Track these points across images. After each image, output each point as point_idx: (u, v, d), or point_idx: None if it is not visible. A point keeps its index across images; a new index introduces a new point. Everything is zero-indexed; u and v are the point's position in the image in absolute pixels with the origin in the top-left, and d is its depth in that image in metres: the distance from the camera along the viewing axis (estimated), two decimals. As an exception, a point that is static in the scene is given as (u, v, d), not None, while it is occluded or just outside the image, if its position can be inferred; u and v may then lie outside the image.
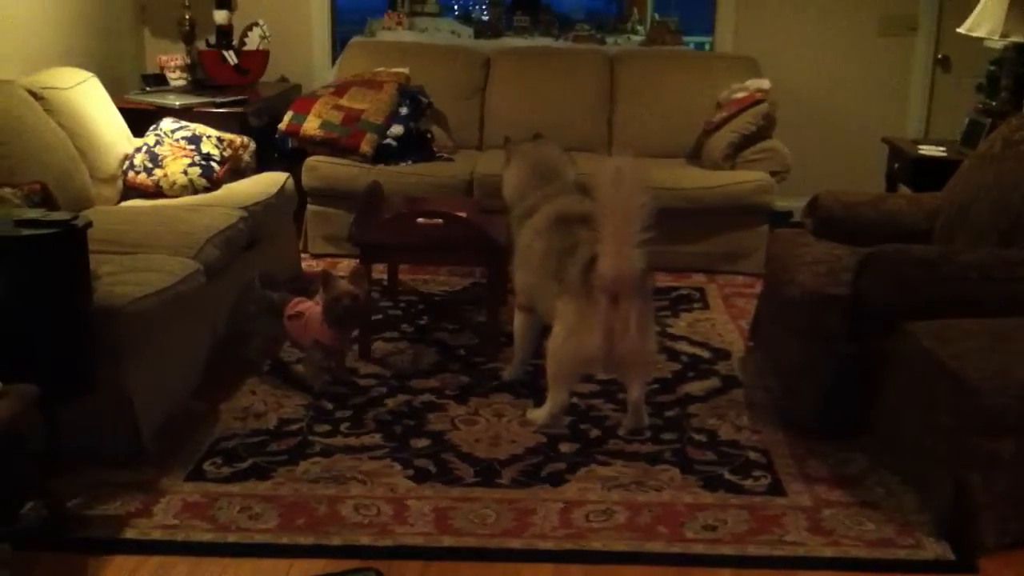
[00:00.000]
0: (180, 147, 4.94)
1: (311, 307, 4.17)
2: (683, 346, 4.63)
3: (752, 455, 3.68)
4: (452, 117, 6.24)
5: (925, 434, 3.26)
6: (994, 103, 5.27)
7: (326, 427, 3.81)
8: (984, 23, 4.97)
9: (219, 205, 4.64)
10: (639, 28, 8.06)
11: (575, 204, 3.86)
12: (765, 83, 5.92)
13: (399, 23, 7.62)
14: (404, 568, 2.99)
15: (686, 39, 7.71)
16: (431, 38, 7.46)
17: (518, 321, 4.13)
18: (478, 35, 7.56)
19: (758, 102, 5.78)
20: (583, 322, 3.60)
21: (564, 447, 3.70)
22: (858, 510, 3.32)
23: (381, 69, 6.10)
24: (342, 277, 4.18)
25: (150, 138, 5.02)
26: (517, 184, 4.13)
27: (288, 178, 5.20)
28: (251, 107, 5.76)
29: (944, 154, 5.27)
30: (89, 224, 3.17)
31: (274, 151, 5.78)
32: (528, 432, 3.79)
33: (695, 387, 4.22)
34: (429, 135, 5.95)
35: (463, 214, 4.61)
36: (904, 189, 5.47)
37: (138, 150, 4.97)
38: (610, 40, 7.60)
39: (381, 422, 3.86)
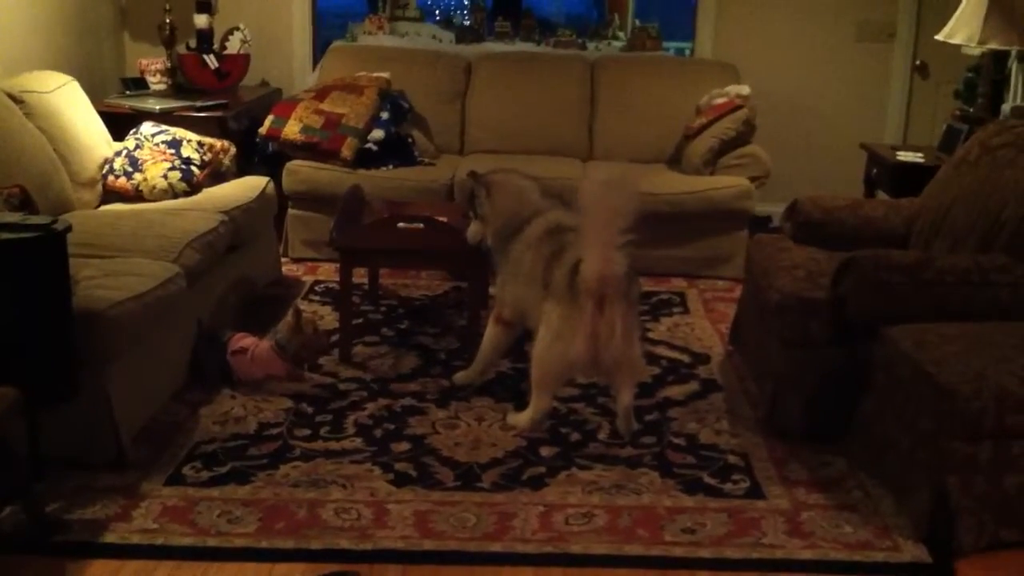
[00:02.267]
0: (160, 151, 4.93)
1: (254, 343, 4.18)
2: (663, 350, 4.65)
3: (731, 458, 3.69)
4: (433, 122, 6.25)
5: (904, 438, 3.28)
6: (971, 109, 5.31)
7: (306, 431, 3.81)
8: (962, 30, 5.00)
9: (199, 209, 4.63)
10: (620, 34, 8.11)
11: (566, 217, 3.86)
12: (745, 89, 5.95)
13: (380, 28, 7.65)
14: (384, 572, 2.99)
15: (666, 45, 7.76)
16: (412, 43, 7.49)
17: (493, 333, 4.11)
18: (459, 40, 7.58)
19: (738, 108, 5.81)
20: (568, 327, 3.61)
21: (544, 451, 3.71)
22: (836, 513, 3.34)
23: (362, 74, 6.10)
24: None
25: (130, 142, 5.01)
26: (504, 211, 4.04)
27: (269, 182, 5.20)
28: (232, 111, 5.75)
29: (922, 160, 5.30)
30: (69, 228, 3.16)
31: (255, 155, 5.77)
32: (509, 436, 3.80)
33: (675, 391, 4.24)
34: (410, 140, 5.95)
35: (444, 218, 4.62)
36: (882, 195, 5.50)
37: (118, 154, 4.95)
38: (591, 46, 7.64)
39: (361, 426, 3.86)
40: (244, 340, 4.19)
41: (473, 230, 4.14)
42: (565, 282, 3.61)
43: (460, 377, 4.20)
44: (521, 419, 3.84)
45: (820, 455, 3.69)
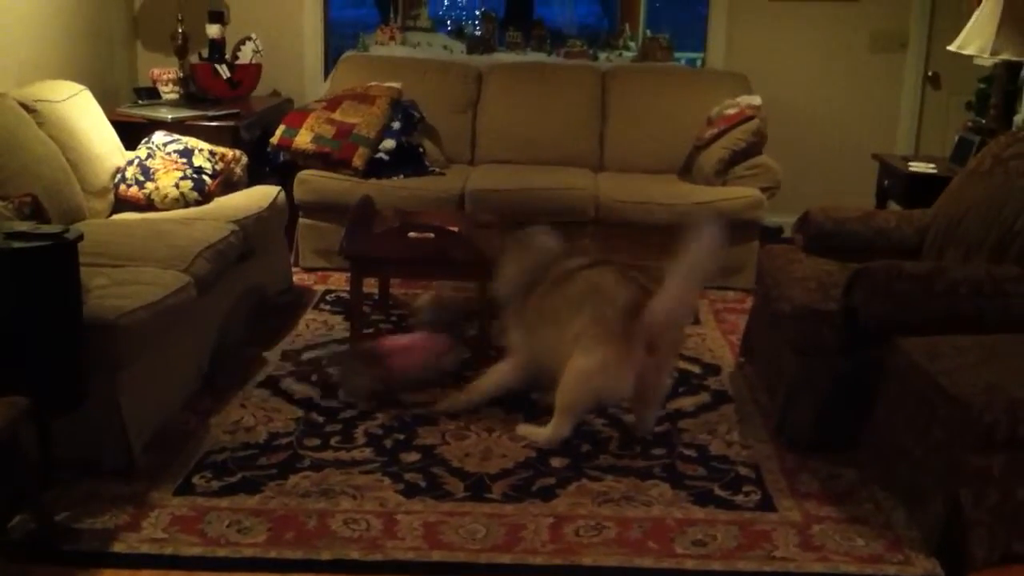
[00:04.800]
0: (172, 160, 4.94)
1: (414, 337, 4.21)
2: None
3: (742, 470, 3.68)
4: (444, 131, 6.25)
5: (916, 449, 3.26)
6: (984, 120, 5.29)
7: (316, 441, 3.80)
8: (974, 41, 4.99)
9: (211, 218, 4.63)
10: (631, 44, 8.09)
11: (583, 261, 3.89)
12: (756, 99, 5.95)
13: (392, 38, 7.65)
14: (394, 583, 2.99)
15: (678, 55, 7.75)
16: (424, 53, 7.49)
17: (504, 371, 4.02)
18: (471, 50, 7.58)
19: (749, 118, 5.80)
20: (616, 364, 3.61)
21: (555, 462, 3.69)
22: (848, 526, 3.33)
23: (373, 83, 6.11)
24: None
25: (142, 151, 5.02)
26: (520, 269, 3.99)
27: (280, 191, 5.20)
28: (243, 120, 5.75)
29: (934, 171, 5.28)
30: (80, 237, 3.16)
31: (266, 164, 5.78)
32: (518, 447, 3.79)
33: (686, 402, 4.23)
34: (421, 149, 5.96)
35: (455, 228, 4.62)
36: (894, 205, 5.49)
37: (130, 163, 4.96)
38: (602, 56, 7.63)
39: (371, 436, 3.85)
40: (398, 340, 4.20)
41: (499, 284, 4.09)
42: (620, 321, 3.59)
43: (444, 406, 4.07)
44: (540, 434, 3.79)
45: (831, 466, 3.68)
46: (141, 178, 4.89)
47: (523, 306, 3.94)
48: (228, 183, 5.13)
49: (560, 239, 4.12)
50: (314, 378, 4.31)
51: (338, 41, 7.71)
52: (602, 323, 3.63)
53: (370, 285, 4.95)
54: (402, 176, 5.77)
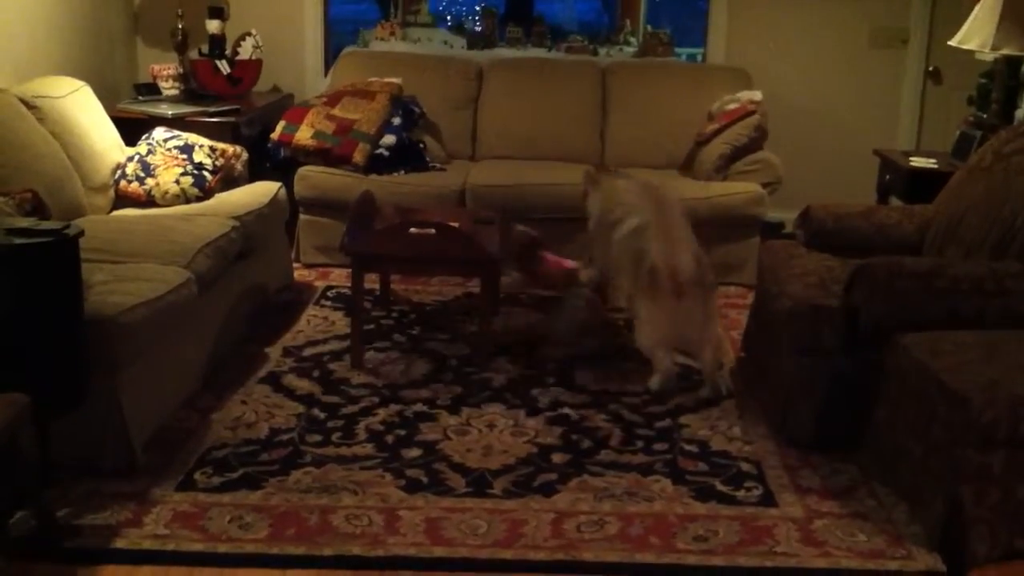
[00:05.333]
0: (172, 156, 4.94)
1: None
2: (675, 356, 4.62)
3: (744, 466, 3.68)
4: (445, 127, 6.24)
5: (917, 446, 3.26)
6: (985, 116, 5.29)
7: (317, 437, 3.80)
8: (975, 36, 4.99)
9: (211, 214, 4.63)
10: (632, 39, 8.08)
11: (643, 219, 4.32)
12: (757, 95, 5.94)
13: (392, 33, 7.63)
14: (395, 579, 2.99)
15: (678, 51, 7.73)
16: (424, 48, 7.48)
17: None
18: (471, 46, 7.57)
19: (750, 114, 5.79)
20: (653, 314, 4.18)
21: (556, 457, 3.70)
22: (849, 521, 3.33)
23: (374, 79, 6.10)
24: None
25: (142, 147, 5.02)
26: (602, 207, 4.65)
27: (280, 188, 5.20)
28: (243, 116, 5.75)
29: (935, 166, 5.28)
30: (81, 233, 3.16)
31: (266, 161, 5.77)
32: (520, 443, 3.79)
33: (687, 398, 4.22)
34: (422, 145, 5.95)
35: (455, 224, 4.61)
36: (895, 201, 5.48)
37: (130, 159, 4.96)
38: (602, 51, 7.62)
39: (373, 432, 3.85)
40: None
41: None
42: (647, 279, 4.14)
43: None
44: (652, 381, 4.23)
45: (832, 463, 3.68)
46: (141, 174, 4.89)
47: (602, 242, 4.59)
48: (228, 179, 5.12)
49: (639, 183, 4.63)
50: (316, 374, 4.32)
51: (338, 37, 7.69)
52: (639, 283, 4.23)
53: (371, 281, 4.95)
54: (403, 172, 5.77)
